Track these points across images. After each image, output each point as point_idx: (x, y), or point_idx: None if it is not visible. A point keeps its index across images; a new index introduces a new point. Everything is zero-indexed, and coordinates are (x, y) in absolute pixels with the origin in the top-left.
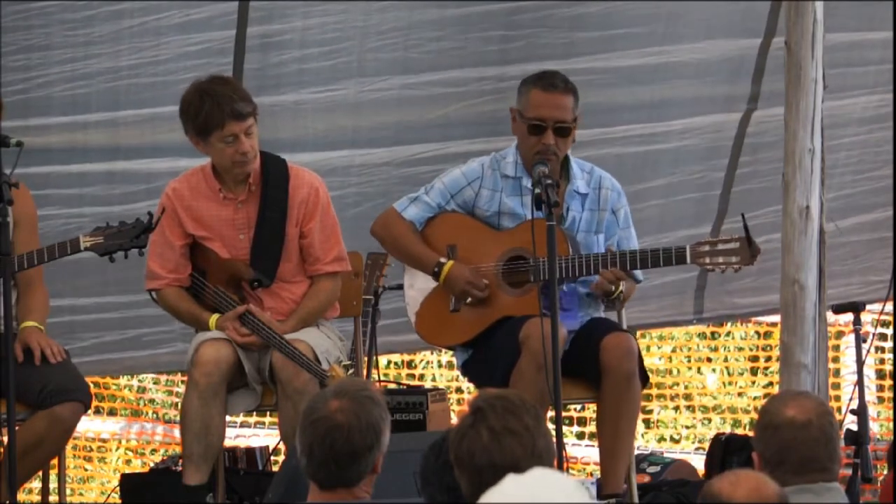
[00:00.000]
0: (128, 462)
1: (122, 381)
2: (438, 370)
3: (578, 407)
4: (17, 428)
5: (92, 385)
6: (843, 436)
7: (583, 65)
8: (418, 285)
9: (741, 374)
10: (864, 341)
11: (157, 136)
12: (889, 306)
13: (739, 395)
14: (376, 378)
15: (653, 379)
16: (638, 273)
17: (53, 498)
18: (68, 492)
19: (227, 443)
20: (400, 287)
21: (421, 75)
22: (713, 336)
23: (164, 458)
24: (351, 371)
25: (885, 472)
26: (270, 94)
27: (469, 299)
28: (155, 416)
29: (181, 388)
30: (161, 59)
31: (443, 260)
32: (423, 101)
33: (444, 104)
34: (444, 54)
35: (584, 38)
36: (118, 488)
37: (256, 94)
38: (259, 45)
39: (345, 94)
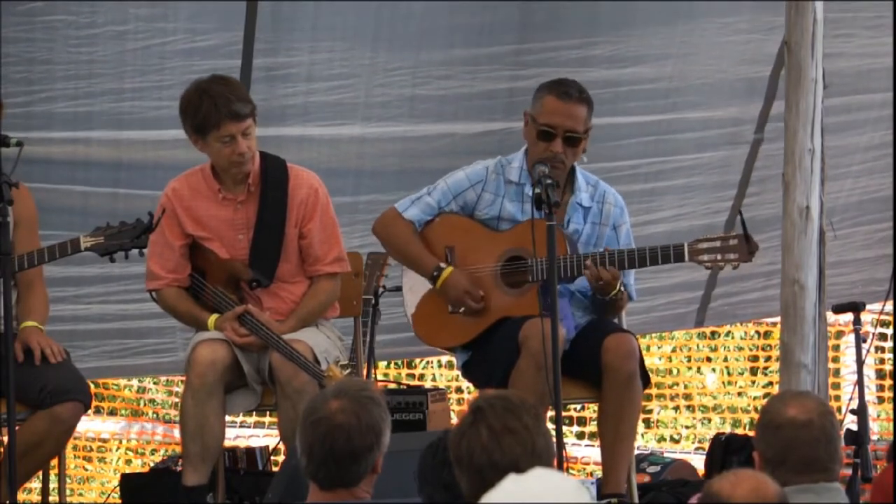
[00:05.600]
0: (128, 462)
1: (122, 381)
2: (438, 370)
3: (578, 407)
4: (17, 428)
5: (92, 385)
6: (842, 436)
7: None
8: (417, 287)
9: (741, 374)
10: (864, 341)
11: (160, 153)
12: (889, 306)
13: (739, 395)
14: (374, 377)
15: (653, 379)
16: (632, 291)
17: (53, 498)
18: (68, 492)
19: (227, 443)
20: (399, 289)
21: (426, 123)
22: (713, 336)
23: (164, 458)
24: (350, 371)
25: None
26: (277, 126)
27: (462, 309)
28: (155, 416)
29: (181, 388)
30: (165, 84)
31: (442, 265)
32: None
33: (451, 140)
34: (451, 94)
35: (592, 79)
36: (118, 488)
37: (261, 124)
38: (265, 77)
39: (350, 129)
